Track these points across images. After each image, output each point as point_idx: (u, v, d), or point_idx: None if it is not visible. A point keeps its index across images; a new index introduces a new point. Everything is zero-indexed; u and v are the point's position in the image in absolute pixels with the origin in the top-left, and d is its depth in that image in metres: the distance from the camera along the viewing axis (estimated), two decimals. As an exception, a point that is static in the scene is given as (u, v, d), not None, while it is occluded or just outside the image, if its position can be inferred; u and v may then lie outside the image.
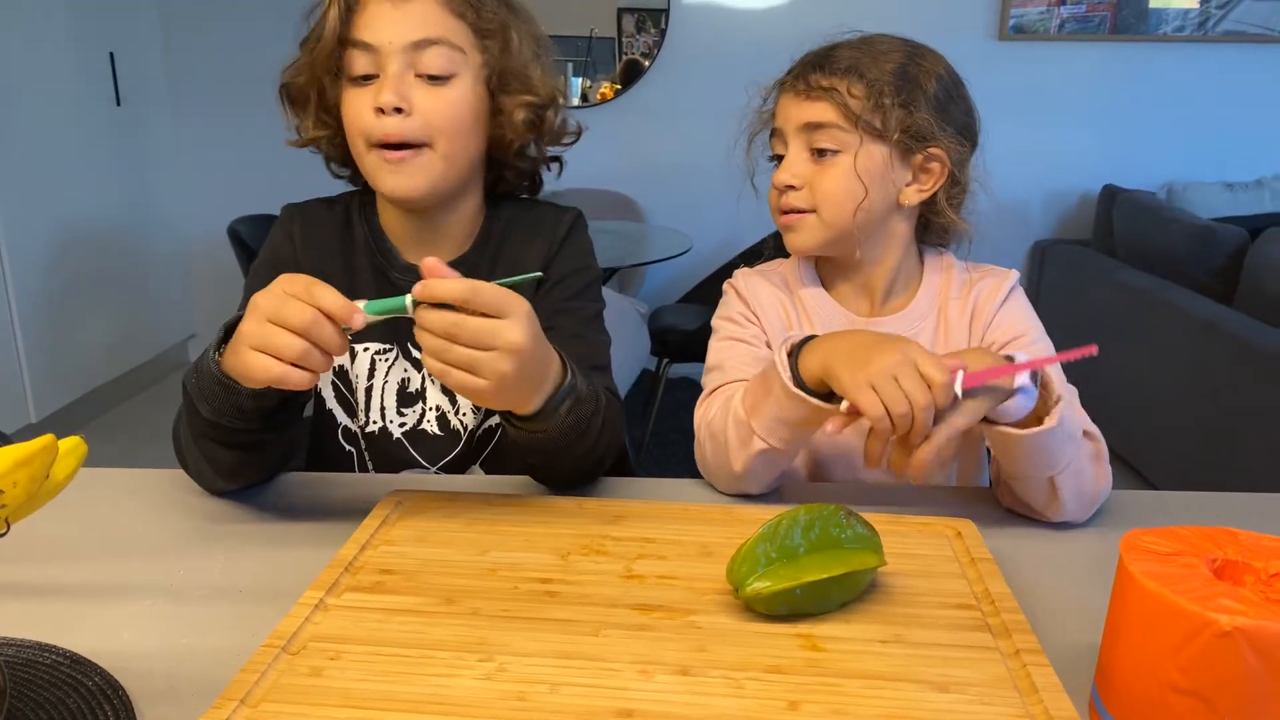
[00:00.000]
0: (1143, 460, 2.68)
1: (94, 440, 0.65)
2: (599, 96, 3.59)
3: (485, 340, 0.71)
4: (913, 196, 0.98)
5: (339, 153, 1.01)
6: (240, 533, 0.84)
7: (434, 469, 1.02)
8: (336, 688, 0.59)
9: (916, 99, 0.94)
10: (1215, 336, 2.40)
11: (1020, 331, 0.99)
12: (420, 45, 0.90)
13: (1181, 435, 2.53)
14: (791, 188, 0.97)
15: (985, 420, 0.81)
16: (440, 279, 0.70)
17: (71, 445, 0.61)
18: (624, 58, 3.54)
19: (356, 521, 0.80)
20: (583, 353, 0.93)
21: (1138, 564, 0.55)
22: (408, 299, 0.71)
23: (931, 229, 1.04)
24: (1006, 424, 0.80)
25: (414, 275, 0.97)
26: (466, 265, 0.98)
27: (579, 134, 1.05)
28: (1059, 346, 0.96)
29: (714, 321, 1.07)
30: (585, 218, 1.08)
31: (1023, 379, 0.78)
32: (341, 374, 1.01)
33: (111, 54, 3.23)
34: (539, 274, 0.72)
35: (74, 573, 0.76)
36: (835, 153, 0.95)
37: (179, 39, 3.54)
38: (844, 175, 0.95)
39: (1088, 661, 0.61)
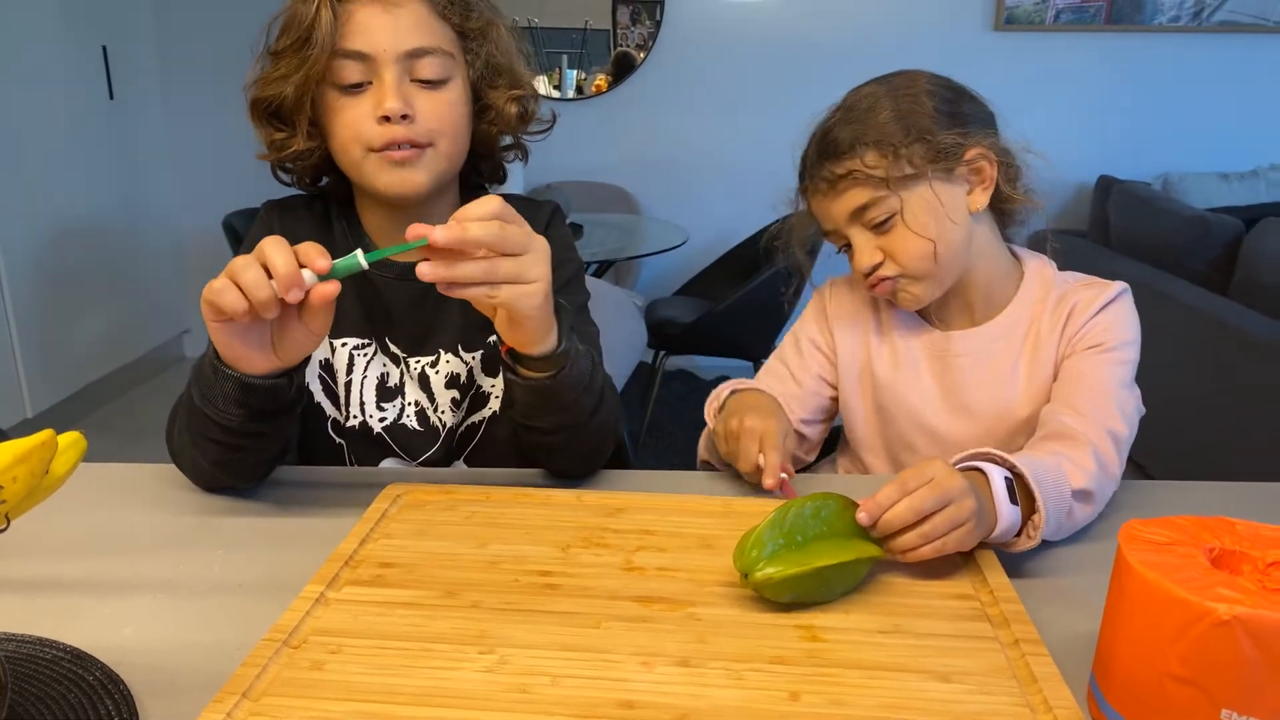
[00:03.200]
0: (1140, 450, 2.65)
1: (90, 435, 0.65)
2: (594, 89, 3.58)
3: (523, 244, 0.74)
4: (980, 199, 0.98)
5: (314, 164, 0.98)
6: (239, 527, 0.84)
7: (414, 464, 1.02)
8: (338, 681, 0.59)
9: (925, 125, 0.93)
10: (1211, 327, 2.40)
11: (1100, 341, 0.97)
12: (415, 54, 0.90)
13: (1178, 425, 2.54)
14: (878, 266, 0.97)
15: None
16: (472, 204, 0.73)
17: (71, 440, 0.61)
18: (616, 50, 3.53)
19: (355, 515, 0.80)
20: None
21: (1136, 554, 0.55)
22: (359, 253, 0.73)
23: (1007, 216, 1.03)
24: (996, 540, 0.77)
25: (391, 269, 0.96)
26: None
27: (553, 122, 1.06)
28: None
29: (795, 323, 1.13)
30: (562, 210, 1.08)
31: (1004, 525, 0.74)
32: (327, 366, 1.01)
33: (104, 47, 3.22)
34: None
35: (74, 568, 0.76)
36: (891, 218, 0.95)
37: (171, 32, 3.52)
38: (910, 234, 0.95)
39: (1086, 651, 0.62)
